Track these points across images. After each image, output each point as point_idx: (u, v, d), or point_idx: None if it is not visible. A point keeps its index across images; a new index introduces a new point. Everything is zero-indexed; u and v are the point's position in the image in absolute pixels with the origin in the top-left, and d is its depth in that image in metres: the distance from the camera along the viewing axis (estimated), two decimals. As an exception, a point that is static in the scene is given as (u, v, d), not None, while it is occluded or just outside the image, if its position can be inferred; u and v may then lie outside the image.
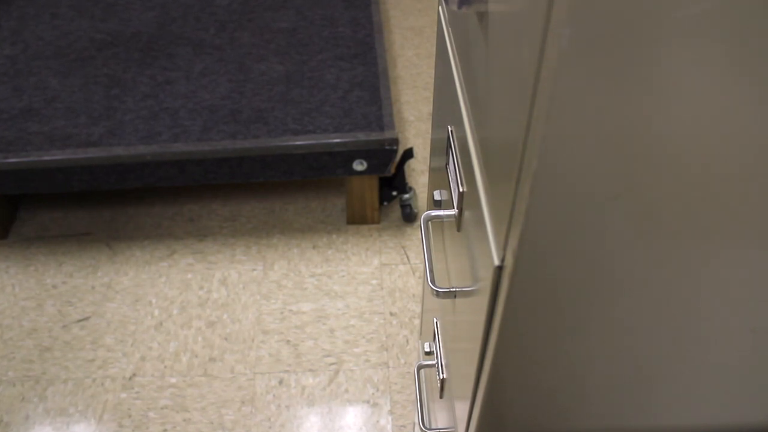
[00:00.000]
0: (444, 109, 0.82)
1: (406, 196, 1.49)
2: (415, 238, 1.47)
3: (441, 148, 0.70)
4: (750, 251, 0.38)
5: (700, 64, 0.29)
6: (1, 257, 1.43)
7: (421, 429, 0.76)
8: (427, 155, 1.70)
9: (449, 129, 0.60)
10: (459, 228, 0.54)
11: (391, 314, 1.32)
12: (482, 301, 0.44)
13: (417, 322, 1.32)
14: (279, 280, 1.38)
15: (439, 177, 0.81)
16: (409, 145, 1.66)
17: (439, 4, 0.72)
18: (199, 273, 1.39)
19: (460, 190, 0.50)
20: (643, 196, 0.35)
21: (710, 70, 0.30)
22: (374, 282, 1.38)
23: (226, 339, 1.27)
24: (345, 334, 1.28)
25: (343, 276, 1.39)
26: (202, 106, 1.47)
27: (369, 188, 1.47)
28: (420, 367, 0.82)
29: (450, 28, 0.63)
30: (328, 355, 1.24)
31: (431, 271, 0.56)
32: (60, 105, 1.48)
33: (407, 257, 1.43)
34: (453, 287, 0.56)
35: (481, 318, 0.45)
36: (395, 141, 1.39)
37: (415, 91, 1.82)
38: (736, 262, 0.39)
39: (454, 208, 0.53)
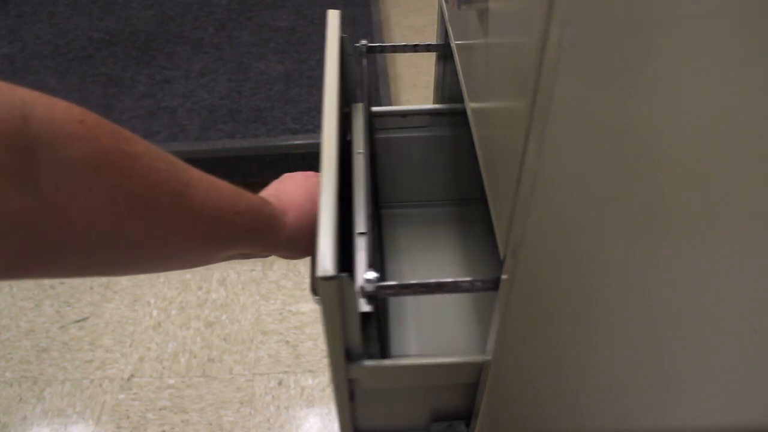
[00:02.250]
0: (443, 109, 0.81)
1: (406, 195, 1.49)
2: (414, 238, 1.46)
3: (440, 148, 0.69)
4: (751, 252, 0.38)
5: (701, 63, 0.29)
6: (-2, 257, 1.43)
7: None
8: (427, 154, 1.69)
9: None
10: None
11: (391, 314, 1.32)
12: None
13: (416, 322, 1.31)
14: (278, 280, 1.38)
15: (438, 177, 0.81)
16: (408, 145, 1.65)
17: (439, 2, 0.72)
18: (198, 273, 1.38)
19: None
20: (644, 196, 0.34)
21: (712, 69, 0.29)
22: (373, 282, 1.37)
23: (224, 340, 1.26)
24: (344, 334, 1.28)
25: (343, 276, 1.38)
26: (200, 106, 1.47)
27: (368, 188, 1.46)
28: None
29: (450, 27, 0.62)
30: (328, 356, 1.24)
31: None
32: (58, 104, 1.48)
33: (407, 257, 1.42)
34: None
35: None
36: (394, 140, 1.38)
37: (415, 90, 1.82)
38: (737, 262, 0.38)
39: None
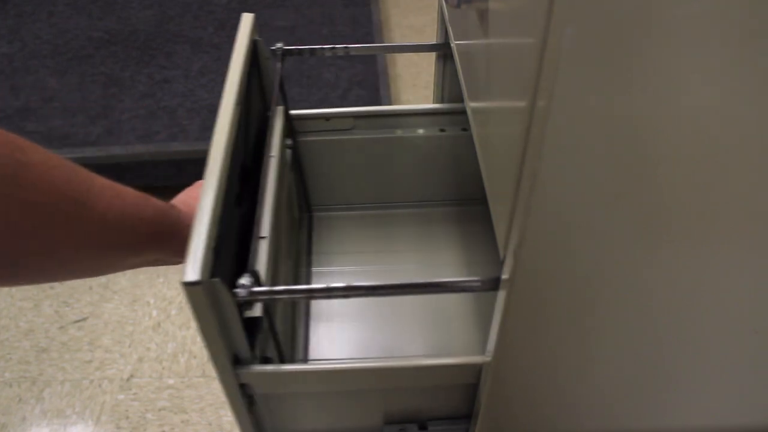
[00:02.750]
0: (443, 108, 0.81)
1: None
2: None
3: (440, 148, 0.69)
4: (751, 252, 0.38)
5: (702, 63, 0.29)
6: (-2, 257, 1.42)
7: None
8: (427, 154, 1.68)
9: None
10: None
11: (391, 314, 1.31)
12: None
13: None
14: (277, 280, 1.37)
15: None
16: (408, 145, 1.65)
17: (439, 2, 0.72)
18: (198, 273, 1.38)
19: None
20: (644, 196, 0.34)
21: (712, 69, 0.29)
22: (373, 282, 1.37)
23: (224, 339, 1.26)
24: (344, 334, 1.28)
25: (342, 276, 1.38)
26: (200, 105, 1.47)
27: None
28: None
29: (450, 27, 0.62)
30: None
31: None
32: (57, 104, 1.48)
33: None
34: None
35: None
36: (394, 140, 1.38)
37: (415, 90, 1.82)
38: (737, 263, 0.38)
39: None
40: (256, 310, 0.48)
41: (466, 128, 0.80)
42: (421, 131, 0.80)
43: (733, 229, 0.36)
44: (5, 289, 1.36)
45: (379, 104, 1.45)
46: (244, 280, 0.45)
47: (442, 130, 0.80)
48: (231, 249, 0.51)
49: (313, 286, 0.46)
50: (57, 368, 1.21)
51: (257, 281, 0.47)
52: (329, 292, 0.47)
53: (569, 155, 0.32)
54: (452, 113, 0.79)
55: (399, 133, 0.80)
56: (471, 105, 0.48)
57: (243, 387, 0.50)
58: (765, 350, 0.45)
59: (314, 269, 0.81)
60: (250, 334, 0.50)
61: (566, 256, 0.37)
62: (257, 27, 0.67)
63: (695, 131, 0.31)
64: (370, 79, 1.54)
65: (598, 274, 0.39)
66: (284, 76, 0.70)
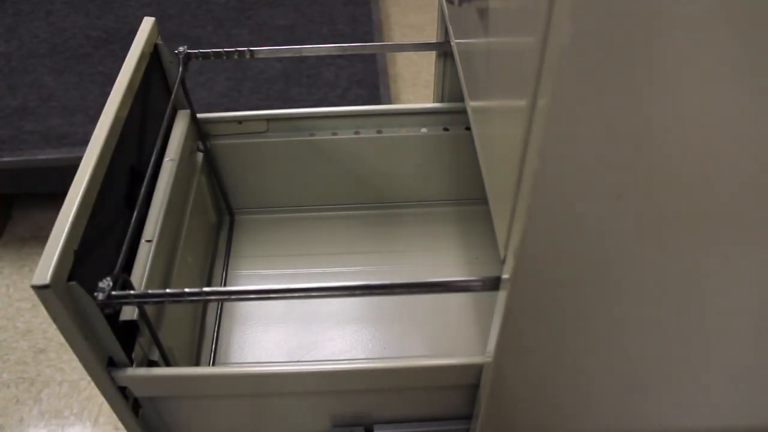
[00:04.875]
0: (443, 108, 0.81)
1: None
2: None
3: (440, 147, 0.69)
4: (753, 251, 0.38)
5: (703, 62, 0.29)
6: (-4, 257, 1.42)
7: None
8: (426, 154, 1.67)
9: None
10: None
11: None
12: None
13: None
14: (277, 279, 1.37)
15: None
16: (407, 144, 1.64)
17: (440, 0, 0.71)
18: (196, 273, 1.38)
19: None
20: (645, 195, 0.34)
21: (714, 68, 0.29)
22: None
23: (223, 339, 1.26)
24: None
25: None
26: (199, 105, 1.46)
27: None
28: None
29: (450, 26, 0.62)
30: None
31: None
32: (56, 103, 1.47)
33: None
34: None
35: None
36: (394, 139, 1.37)
37: (415, 89, 1.81)
38: (739, 262, 0.38)
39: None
40: (128, 314, 0.48)
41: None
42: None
43: (734, 229, 0.36)
44: (2, 290, 1.35)
45: (379, 103, 1.45)
46: (104, 284, 0.45)
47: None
48: (115, 251, 0.51)
49: (186, 290, 0.45)
50: (55, 369, 1.21)
51: (125, 285, 0.47)
52: (205, 296, 0.47)
53: (570, 155, 0.32)
54: (365, 116, 0.79)
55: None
56: (471, 104, 0.48)
57: (124, 390, 0.50)
58: (765, 350, 0.44)
59: (237, 272, 0.80)
60: (129, 338, 0.49)
61: (567, 257, 0.37)
62: (159, 30, 0.67)
63: (696, 131, 0.31)
64: (369, 79, 1.54)
65: (599, 274, 0.38)
66: (183, 79, 0.69)
